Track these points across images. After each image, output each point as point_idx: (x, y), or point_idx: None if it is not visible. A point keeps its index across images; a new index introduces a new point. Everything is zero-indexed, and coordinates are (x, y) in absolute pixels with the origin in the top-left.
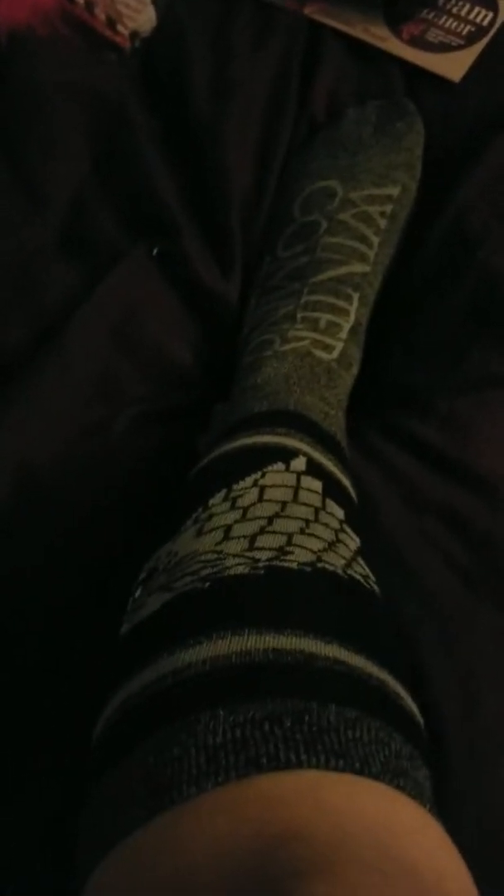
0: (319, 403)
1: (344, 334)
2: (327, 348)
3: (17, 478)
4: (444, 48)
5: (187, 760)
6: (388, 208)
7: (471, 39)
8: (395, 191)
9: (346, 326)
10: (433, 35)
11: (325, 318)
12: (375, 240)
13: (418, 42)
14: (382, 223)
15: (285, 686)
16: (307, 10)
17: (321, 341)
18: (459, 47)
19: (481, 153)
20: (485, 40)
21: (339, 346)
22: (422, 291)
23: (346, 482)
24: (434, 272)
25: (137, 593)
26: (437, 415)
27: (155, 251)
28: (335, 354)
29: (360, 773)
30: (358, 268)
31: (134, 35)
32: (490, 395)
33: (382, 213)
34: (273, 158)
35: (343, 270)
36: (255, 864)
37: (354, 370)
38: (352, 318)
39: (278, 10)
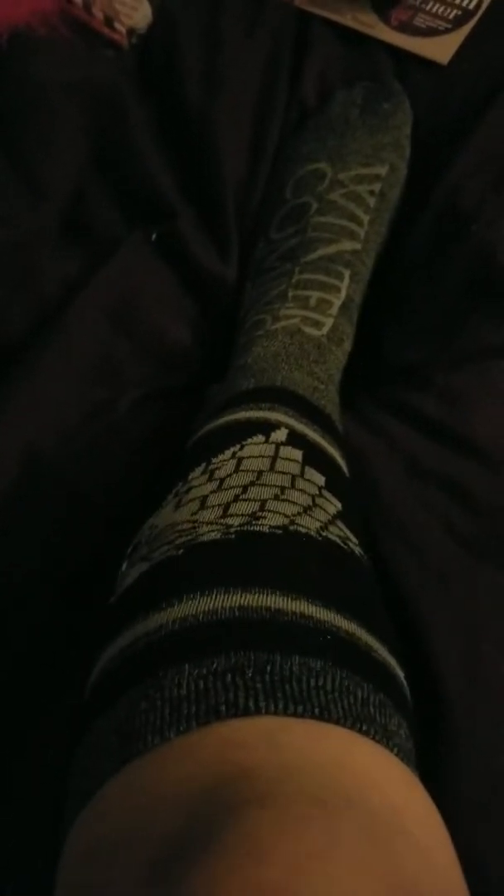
0: (307, 379)
1: (334, 311)
2: (317, 324)
3: (23, 462)
4: (431, 32)
5: (153, 712)
6: (377, 187)
7: (458, 23)
8: (382, 170)
9: (337, 303)
10: (421, 20)
11: (315, 295)
12: (365, 218)
13: (406, 27)
14: (371, 201)
15: (249, 639)
16: (297, 1)
17: (311, 318)
18: (447, 31)
19: (471, 133)
20: (471, 23)
21: (329, 322)
22: (418, 267)
23: (333, 451)
24: (429, 247)
25: (124, 567)
26: (435, 387)
27: (153, 236)
28: (325, 330)
29: (319, 717)
30: (348, 245)
31: (131, 32)
32: (487, 365)
33: (371, 192)
34: (265, 143)
35: (333, 248)
36: (205, 800)
37: (346, 346)
38: (343, 294)
39: (268, 1)
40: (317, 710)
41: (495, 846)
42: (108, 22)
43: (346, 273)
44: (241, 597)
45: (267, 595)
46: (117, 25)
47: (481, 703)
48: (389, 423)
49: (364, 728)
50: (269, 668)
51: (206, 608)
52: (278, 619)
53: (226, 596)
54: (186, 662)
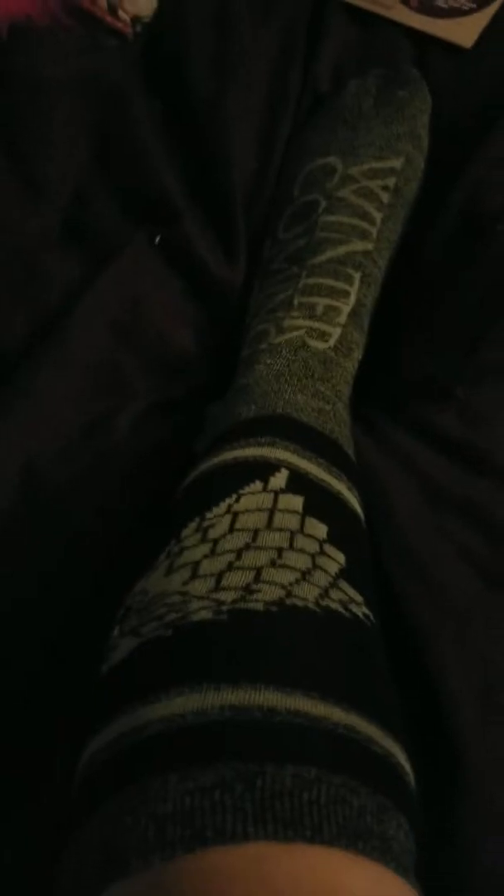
0: (312, 401)
1: (343, 318)
2: (323, 336)
3: (23, 477)
4: (454, 13)
5: (137, 831)
6: (391, 181)
7: (482, 3)
8: (397, 163)
9: (346, 309)
10: (443, 0)
11: (322, 302)
12: (378, 215)
13: (427, 8)
14: (385, 197)
15: (240, 748)
16: None
17: (317, 329)
18: (471, 11)
19: (497, 122)
20: (497, 2)
21: (337, 332)
22: (437, 270)
23: (341, 486)
24: (450, 249)
25: (115, 631)
26: (455, 402)
27: (157, 239)
28: (332, 342)
29: (310, 840)
30: (359, 246)
31: (135, 20)
32: None
33: (385, 187)
34: (276, 139)
35: (342, 250)
36: None
37: (356, 354)
38: (352, 299)
39: None
40: (308, 833)
41: None
42: (112, 10)
43: (357, 276)
44: (231, 694)
45: (259, 692)
46: (121, 14)
47: (498, 746)
48: (405, 441)
49: (360, 846)
50: (258, 782)
51: (195, 707)
52: (271, 719)
53: (216, 693)
54: (173, 773)
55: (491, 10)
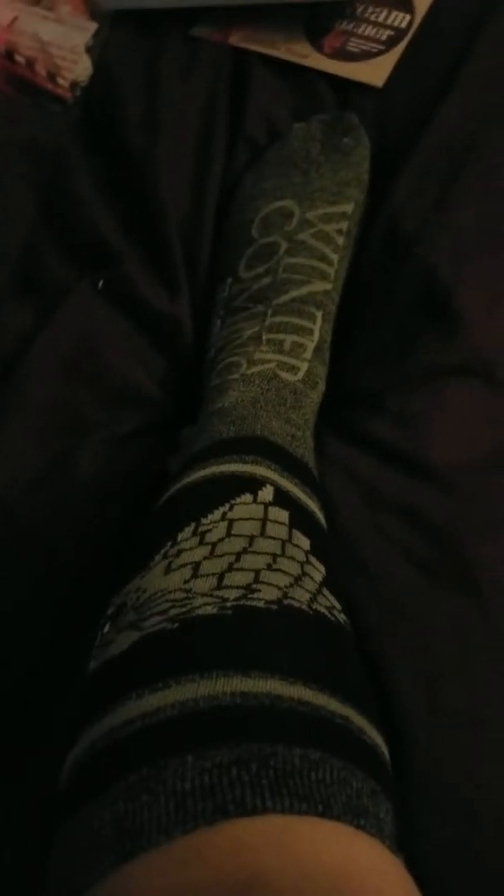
0: (286, 426)
1: (308, 354)
2: (293, 369)
3: None
4: (365, 56)
5: (156, 807)
6: (344, 225)
7: (390, 43)
8: (348, 207)
9: (311, 346)
10: (354, 44)
11: (289, 339)
12: (335, 257)
13: (340, 53)
14: (340, 240)
15: (252, 730)
16: (231, 39)
17: (286, 363)
18: (380, 52)
19: (410, 153)
20: (404, 42)
21: (305, 366)
22: (367, 291)
23: (314, 507)
24: (376, 271)
25: (106, 629)
26: (389, 410)
27: (101, 283)
28: (300, 375)
29: (322, 815)
30: (320, 286)
31: (74, 85)
32: (438, 385)
33: (339, 231)
34: (208, 182)
35: (305, 290)
36: None
37: (321, 387)
38: (316, 336)
39: (204, 42)
40: (320, 808)
41: (464, 880)
42: (51, 77)
43: (319, 314)
44: (241, 682)
45: (266, 681)
46: (60, 80)
47: (444, 735)
48: (345, 450)
49: (362, 823)
50: (272, 762)
51: (207, 693)
52: (277, 706)
53: (226, 680)
54: (189, 753)
55: (398, 50)
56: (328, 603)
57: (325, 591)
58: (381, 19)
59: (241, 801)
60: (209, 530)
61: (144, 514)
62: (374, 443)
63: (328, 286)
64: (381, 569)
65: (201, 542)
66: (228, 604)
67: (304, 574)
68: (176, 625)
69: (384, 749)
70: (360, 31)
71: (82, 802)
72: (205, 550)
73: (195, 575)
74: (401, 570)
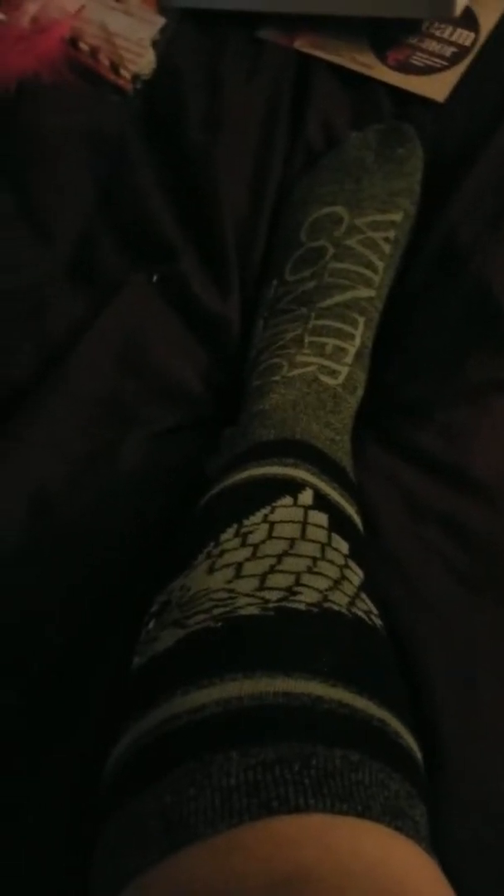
0: (325, 430)
1: (349, 359)
2: (333, 374)
3: (33, 504)
4: (428, 70)
5: (203, 801)
6: (392, 234)
7: (454, 60)
8: (397, 216)
9: (352, 351)
10: (418, 58)
11: (331, 343)
12: (380, 265)
13: (404, 66)
14: (387, 248)
15: (294, 730)
16: (296, 44)
17: (327, 367)
18: (443, 68)
19: (468, 169)
20: (467, 60)
21: (345, 370)
22: (418, 303)
23: (352, 510)
24: (429, 284)
25: (151, 625)
26: (435, 422)
27: (155, 277)
28: (341, 379)
29: (361, 815)
30: (364, 293)
31: (136, 77)
32: (487, 400)
33: (386, 239)
34: (266, 184)
35: (349, 295)
36: None
37: (359, 393)
38: (357, 342)
39: (268, 44)
40: (359, 808)
41: (488, 880)
42: (114, 68)
43: (361, 320)
44: (284, 682)
45: (308, 682)
46: (122, 71)
47: (478, 740)
48: (390, 459)
49: (399, 824)
50: (313, 761)
51: (251, 691)
52: (319, 707)
53: (270, 680)
54: (234, 750)
55: (461, 67)
56: (366, 607)
57: (363, 595)
58: (446, 35)
59: (285, 798)
60: (251, 532)
61: (183, 510)
62: (418, 452)
63: (372, 293)
64: (420, 576)
65: (243, 544)
66: (270, 605)
67: (343, 578)
68: (220, 623)
69: (418, 753)
70: (424, 45)
71: (128, 796)
72: (247, 552)
73: (238, 575)
74: (440, 579)
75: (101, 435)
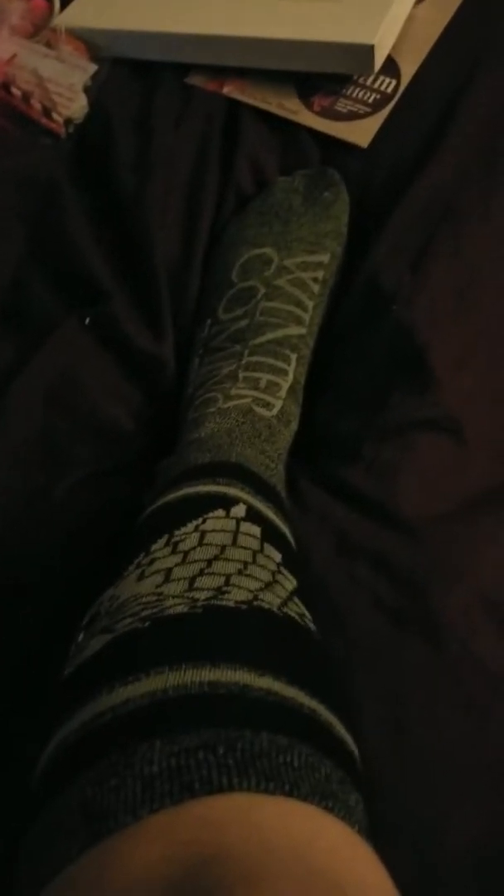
0: (260, 457)
1: (283, 393)
2: (267, 406)
3: None
4: (352, 116)
5: (124, 790)
6: (320, 274)
7: (377, 107)
8: (325, 257)
9: (285, 385)
10: (342, 105)
11: (265, 377)
12: (310, 303)
13: (328, 113)
14: (315, 288)
15: (219, 716)
16: (225, 90)
17: (262, 399)
18: (366, 115)
19: (390, 214)
20: (389, 106)
21: (279, 403)
22: (345, 344)
23: (285, 529)
24: (356, 324)
25: (80, 638)
26: (363, 461)
27: (87, 320)
28: (275, 411)
29: (289, 794)
30: (295, 330)
31: (68, 122)
32: (411, 439)
33: (315, 279)
34: (198, 227)
35: (281, 333)
36: (186, 882)
37: (293, 426)
38: (290, 377)
39: (198, 90)
40: (287, 787)
41: None
42: (46, 112)
43: (294, 357)
44: (209, 672)
45: (235, 671)
46: (55, 115)
47: (409, 776)
48: (320, 497)
49: (330, 805)
50: (239, 744)
51: (176, 682)
52: (246, 694)
53: (195, 671)
54: (157, 738)
55: (383, 113)
56: (299, 610)
57: (296, 600)
58: (368, 83)
59: (208, 779)
60: (181, 540)
61: (117, 548)
62: (347, 488)
63: (303, 330)
64: (349, 612)
65: (174, 551)
66: (199, 603)
67: (275, 581)
68: (147, 623)
69: (353, 746)
70: (348, 92)
71: (51, 793)
72: (177, 558)
73: (167, 580)
74: (368, 615)
75: (34, 477)
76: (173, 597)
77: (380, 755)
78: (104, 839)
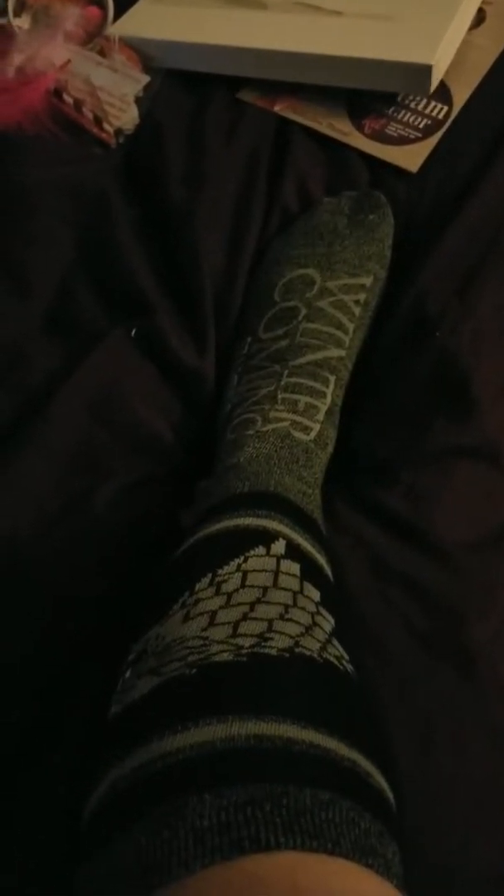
0: (298, 484)
1: (321, 416)
2: (305, 429)
3: (5, 550)
4: (402, 141)
5: (177, 842)
6: (362, 297)
7: (427, 132)
8: (367, 280)
9: (323, 408)
10: (392, 129)
11: (303, 400)
12: (350, 326)
13: (379, 136)
14: (357, 311)
15: (265, 771)
16: (276, 108)
17: (300, 422)
18: (416, 140)
19: (438, 239)
20: (440, 133)
21: (317, 427)
22: (387, 368)
23: (323, 561)
24: (397, 350)
25: (127, 674)
26: (402, 485)
27: (133, 331)
28: (312, 435)
29: (331, 852)
30: (334, 352)
31: (118, 132)
32: (450, 465)
33: (357, 302)
34: (244, 243)
35: (321, 355)
36: None
37: (330, 449)
38: (328, 400)
39: (249, 106)
40: (329, 846)
41: None
42: (98, 121)
43: (332, 379)
44: (255, 725)
45: (279, 724)
46: (106, 125)
47: (434, 805)
48: (356, 519)
49: (370, 861)
50: (284, 801)
51: (223, 735)
52: (290, 748)
53: (241, 724)
54: (206, 792)
55: (434, 139)
56: (337, 652)
57: (335, 641)
58: (420, 108)
59: (256, 837)
60: (225, 581)
61: (154, 559)
62: (384, 512)
63: (342, 353)
64: (381, 635)
65: (217, 592)
66: (243, 651)
67: (315, 624)
68: (194, 670)
69: (389, 793)
70: (399, 116)
71: (105, 839)
72: (221, 600)
73: (212, 623)
74: (400, 638)
75: (72, 486)
76: (218, 642)
77: (404, 779)
78: (158, 889)
